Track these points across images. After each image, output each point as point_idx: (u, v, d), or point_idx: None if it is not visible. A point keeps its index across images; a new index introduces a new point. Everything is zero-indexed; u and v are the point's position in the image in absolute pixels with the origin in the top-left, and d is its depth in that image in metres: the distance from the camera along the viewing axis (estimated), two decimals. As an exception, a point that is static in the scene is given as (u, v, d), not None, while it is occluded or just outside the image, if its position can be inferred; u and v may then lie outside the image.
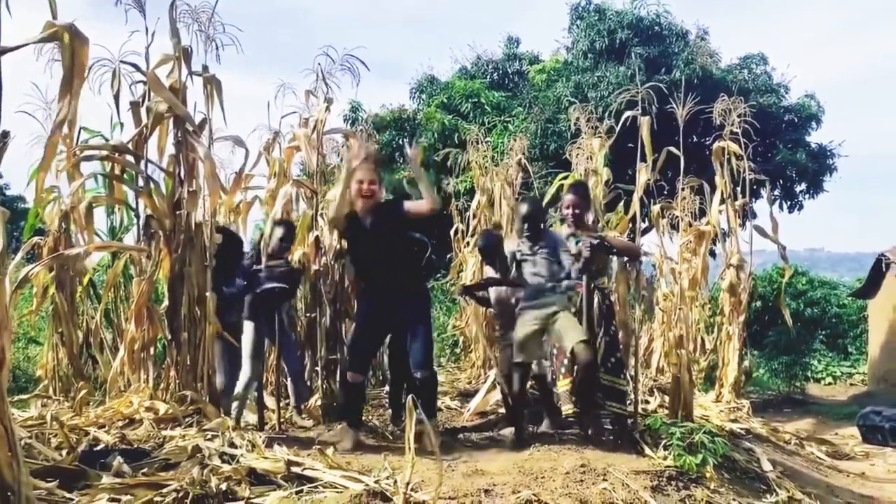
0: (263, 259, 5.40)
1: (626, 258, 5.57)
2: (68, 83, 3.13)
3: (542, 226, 5.09)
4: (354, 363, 4.89)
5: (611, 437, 4.94)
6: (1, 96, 2.64)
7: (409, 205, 4.87)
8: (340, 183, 4.86)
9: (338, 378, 5.93)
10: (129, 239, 6.53)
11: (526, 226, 5.00)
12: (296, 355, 5.81)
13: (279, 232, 5.54)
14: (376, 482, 3.41)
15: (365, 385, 5.08)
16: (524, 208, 5.08)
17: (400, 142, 17.37)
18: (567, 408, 5.73)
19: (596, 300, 5.15)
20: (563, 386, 5.70)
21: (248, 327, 5.43)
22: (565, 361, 5.36)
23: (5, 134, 2.62)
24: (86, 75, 3.68)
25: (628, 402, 5.34)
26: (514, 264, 5.07)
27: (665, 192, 7.30)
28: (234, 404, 5.25)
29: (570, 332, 4.79)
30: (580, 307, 5.15)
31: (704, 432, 4.42)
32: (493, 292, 5.59)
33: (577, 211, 5.25)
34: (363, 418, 5.73)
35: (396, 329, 5.02)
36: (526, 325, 4.91)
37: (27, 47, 3.04)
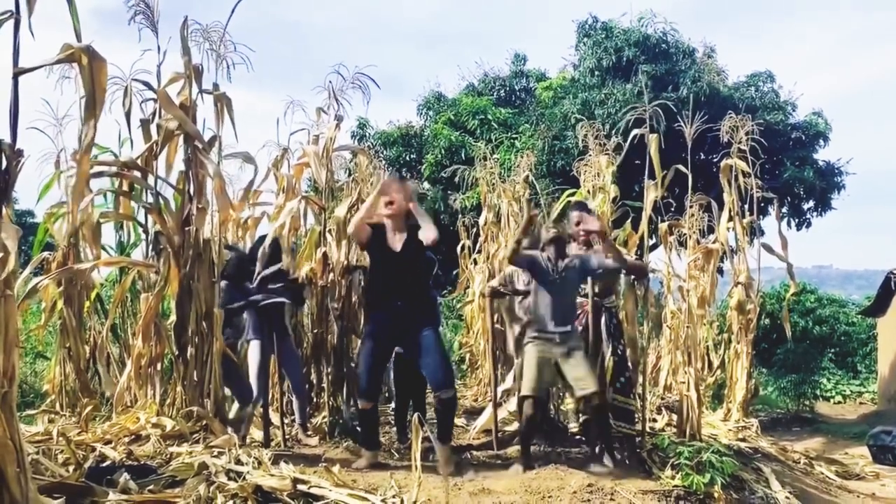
0: (258, 270, 5.39)
1: (633, 276, 5.56)
2: (91, 107, 3.16)
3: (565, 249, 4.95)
4: (364, 391, 4.84)
5: (618, 457, 4.91)
6: (18, 116, 2.67)
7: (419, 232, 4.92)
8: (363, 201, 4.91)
9: (343, 396, 5.93)
10: (138, 254, 6.55)
11: (553, 247, 4.85)
12: (300, 373, 5.80)
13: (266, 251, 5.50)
14: (383, 500, 3.41)
15: (377, 408, 5.04)
16: (552, 230, 4.91)
17: (407, 158, 17.47)
18: (573, 426, 5.72)
19: (603, 319, 5.14)
20: (568, 404, 5.69)
21: (253, 345, 5.43)
22: None
23: (19, 153, 2.64)
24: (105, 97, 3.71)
25: (636, 420, 5.31)
26: (531, 274, 4.90)
27: (673, 210, 7.30)
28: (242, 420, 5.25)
29: (582, 380, 4.66)
30: (586, 324, 5.14)
31: (712, 451, 4.40)
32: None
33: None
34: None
35: (406, 348, 4.99)
36: (536, 358, 4.74)
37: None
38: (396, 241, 4.83)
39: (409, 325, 4.78)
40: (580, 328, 5.09)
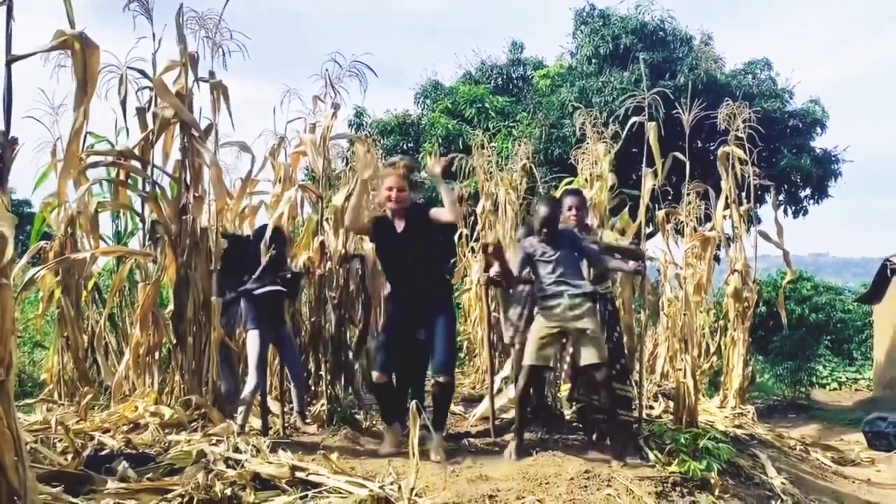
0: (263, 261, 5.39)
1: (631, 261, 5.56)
2: (82, 92, 3.14)
3: (558, 226, 4.92)
4: (379, 363, 4.87)
5: (615, 443, 4.92)
6: (12, 104, 2.66)
7: (433, 211, 4.90)
8: (352, 189, 4.89)
9: (342, 385, 5.95)
10: (135, 244, 6.54)
11: (545, 228, 4.82)
12: (298, 361, 5.81)
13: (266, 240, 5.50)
14: (381, 487, 3.42)
15: (392, 382, 5.02)
16: (543, 210, 4.84)
17: (404, 147, 17.40)
18: (569, 413, 5.74)
19: (598, 306, 5.14)
20: (564, 391, 5.71)
21: (252, 335, 5.44)
22: (566, 367, 5.37)
23: (14, 140, 2.63)
24: (97, 83, 3.70)
25: (633, 407, 5.33)
26: (531, 265, 4.88)
27: (670, 197, 7.29)
28: (241, 409, 5.26)
29: (588, 351, 4.64)
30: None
31: (709, 438, 4.42)
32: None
33: (578, 213, 5.24)
34: (365, 423, 5.76)
35: (422, 329, 5.00)
36: (545, 328, 4.72)
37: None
38: (398, 225, 4.83)
39: (422, 307, 4.80)
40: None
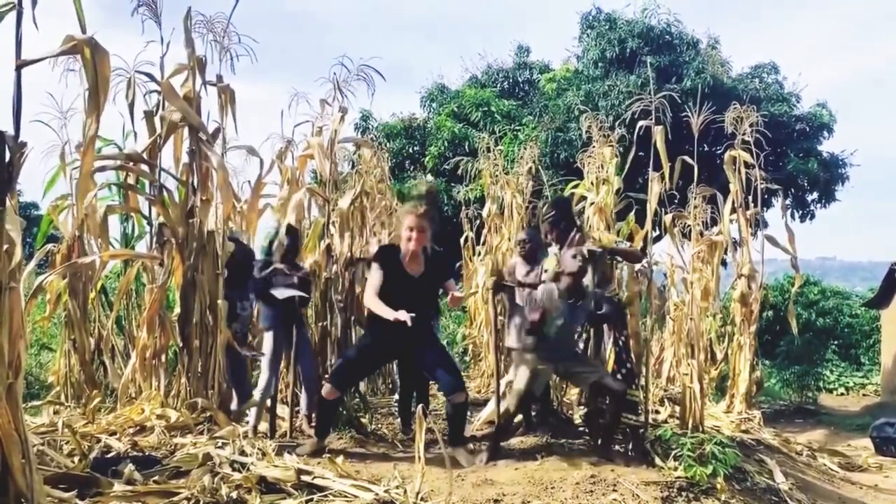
0: (277, 263, 5.42)
1: (634, 264, 5.55)
2: (94, 100, 3.15)
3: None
4: (336, 380, 4.72)
5: (621, 448, 4.91)
6: (21, 107, 2.68)
7: (450, 284, 4.96)
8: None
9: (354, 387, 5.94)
10: (142, 247, 6.57)
11: (568, 284, 4.62)
12: (312, 364, 5.82)
13: (286, 241, 5.55)
14: (386, 491, 3.42)
15: (340, 402, 4.96)
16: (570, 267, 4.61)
17: (410, 150, 17.44)
18: (576, 417, 5.73)
19: (605, 308, 5.13)
20: (571, 396, 5.70)
21: (267, 337, 5.46)
22: None
23: (22, 145, 2.65)
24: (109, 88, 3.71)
25: (639, 411, 5.31)
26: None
27: (676, 201, 7.28)
28: (252, 410, 5.28)
29: (585, 377, 4.64)
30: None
31: (715, 443, 4.40)
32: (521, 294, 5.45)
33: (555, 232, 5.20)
34: (371, 427, 5.75)
35: (410, 361, 4.97)
36: (531, 366, 4.68)
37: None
38: (414, 266, 4.73)
39: (409, 345, 4.69)
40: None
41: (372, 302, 4.55)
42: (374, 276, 4.65)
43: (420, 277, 4.72)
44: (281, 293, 5.28)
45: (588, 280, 4.89)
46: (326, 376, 5.02)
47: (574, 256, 4.61)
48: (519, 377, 4.75)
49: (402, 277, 4.68)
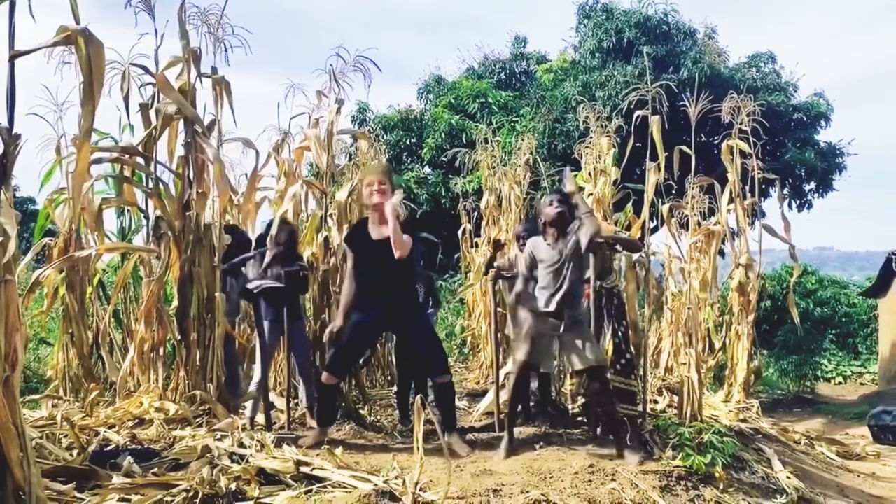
0: (268, 256, 5.39)
1: (632, 253, 5.55)
2: (89, 91, 3.13)
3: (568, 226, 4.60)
4: (333, 366, 4.76)
5: (619, 438, 4.91)
6: (15, 100, 2.66)
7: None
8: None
9: (347, 379, 5.93)
10: (139, 240, 6.55)
11: (555, 228, 4.55)
12: (307, 356, 5.81)
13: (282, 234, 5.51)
14: (385, 482, 3.42)
15: (338, 388, 5.03)
16: (553, 209, 4.53)
17: (408, 142, 17.40)
18: (574, 407, 5.74)
19: (604, 300, 5.13)
20: (569, 386, 5.70)
21: (260, 329, 5.45)
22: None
23: (17, 136, 2.63)
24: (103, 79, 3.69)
25: (637, 401, 5.32)
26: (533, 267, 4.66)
27: (674, 192, 7.27)
28: (248, 403, 5.27)
29: (581, 354, 4.47)
30: (587, 306, 5.13)
31: (713, 432, 4.41)
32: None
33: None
34: (370, 418, 5.77)
35: (397, 336, 4.96)
36: (531, 331, 4.57)
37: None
38: (377, 231, 4.73)
39: (396, 319, 4.74)
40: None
41: (343, 293, 4.83)
42: (349, 260, 4.86)
43: (388, 242, 4.63)
44: (253, 284, 5.27)
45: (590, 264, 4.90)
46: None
47: (550, 203, 4.54)
48: (519, 350, 4.65)
49: (374, 247, 4.70)
